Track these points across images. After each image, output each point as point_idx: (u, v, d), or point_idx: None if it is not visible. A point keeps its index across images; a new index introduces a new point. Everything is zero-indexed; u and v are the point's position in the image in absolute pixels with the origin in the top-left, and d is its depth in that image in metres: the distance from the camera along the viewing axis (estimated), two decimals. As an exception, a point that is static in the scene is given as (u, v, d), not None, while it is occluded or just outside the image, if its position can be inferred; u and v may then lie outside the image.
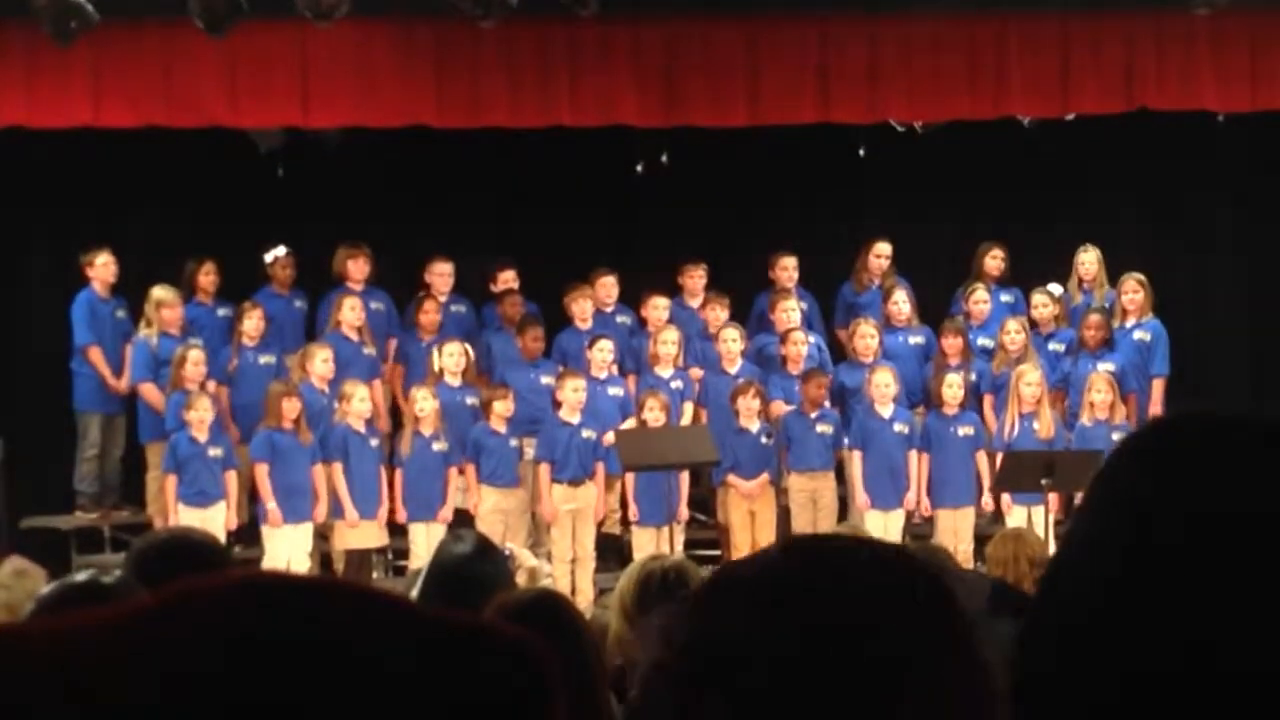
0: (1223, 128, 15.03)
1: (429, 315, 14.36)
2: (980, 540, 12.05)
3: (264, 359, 13.93)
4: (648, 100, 14.04)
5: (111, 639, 1.22)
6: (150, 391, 13.72)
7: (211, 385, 13.58)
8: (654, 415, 13.37)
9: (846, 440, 13.85)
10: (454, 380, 13.79)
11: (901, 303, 14.78)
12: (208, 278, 14.38)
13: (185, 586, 1.28)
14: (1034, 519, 12.50)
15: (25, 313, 15.19)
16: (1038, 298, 14.81)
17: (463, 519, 13.15)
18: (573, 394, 13.45)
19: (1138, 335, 14.50)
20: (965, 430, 13.75)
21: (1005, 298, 15.19)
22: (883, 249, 15.24)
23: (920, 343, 14.72)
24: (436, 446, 13.36)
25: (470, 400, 13.82)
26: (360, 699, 1.20)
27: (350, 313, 14.02)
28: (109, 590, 3.93)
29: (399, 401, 14.25)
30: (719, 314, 14.60)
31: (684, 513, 13.70)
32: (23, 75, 13.30)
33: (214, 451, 13.07)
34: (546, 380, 13.98)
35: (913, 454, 13.72)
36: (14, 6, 11.97)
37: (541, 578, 7.34)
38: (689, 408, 14.18)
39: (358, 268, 14.53)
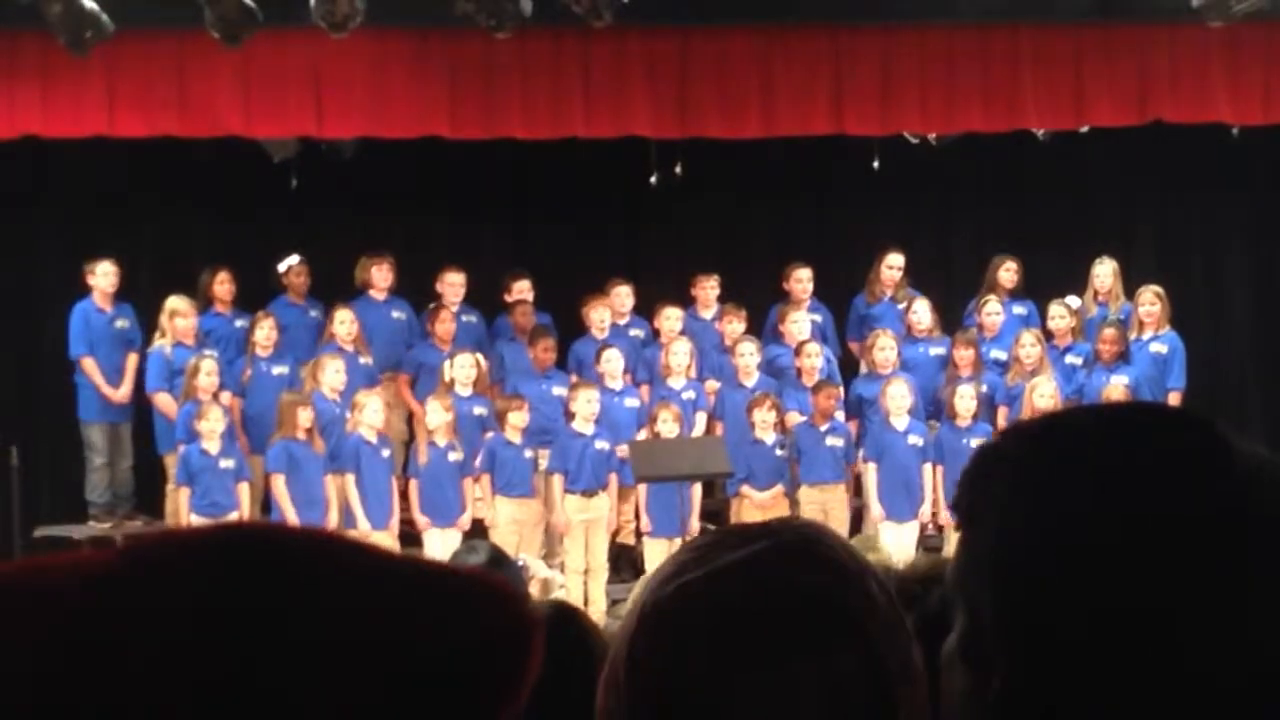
0: (1237, 140, 15.00)
1: (444, 325, 14.35)
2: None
3: (277, 369, 13.91)
4: (662, 112, 14.04)
5: (80, 588, 1.22)
6: (165, 401, 13.73)
7: (225, 396, 13.57)
8: (667, 426, 13.36)
9: (861, 452, 13.85)
10: (465, 391, 13.79)
11: (922, 313, 14.77)
12: (223, 287, 14.37)
13: (161, 538, 1.28)
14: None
15: (39, 321, 15.20)
16: (1054, 309, 14.77)
17: (477, 530, 13.15)
18: (586, 405, 13.43)
19: (1155, 348, 14.46)
20: (979, 442, 13.68)
21: (1019, 310, 15.16)
22: (895, 260, 15.21)
23: (940, 354, 14.68)
24: (452, 456, 13.36)
25: (480, 410, 13.82)
26: (337, 649, 1.21)
27: (342, 326, 14.00)
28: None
29: (411, 409, 14.25)
30: (736, 326, 14.59)
31: (695, 524, 13.67)
32: (38, 84, 13.31)
33: (226, 463, 13.05)
34: (558, 391, 13.98)
35: (927, 466, 13.71)
36: (30, 16, 11.98)
37: (555, 588, 7.35)
38: (702, 419, 14.17)
39: (381, 275, 14.56)
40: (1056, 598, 1.38)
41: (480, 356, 14.03)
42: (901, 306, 15.11)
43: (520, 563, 6.70)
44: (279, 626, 1.20)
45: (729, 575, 1.62)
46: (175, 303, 13.80)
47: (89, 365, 13.99)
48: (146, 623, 1.19)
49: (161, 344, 13.80)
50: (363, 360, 14.05)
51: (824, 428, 13.76)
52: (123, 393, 14.04)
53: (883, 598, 1.64)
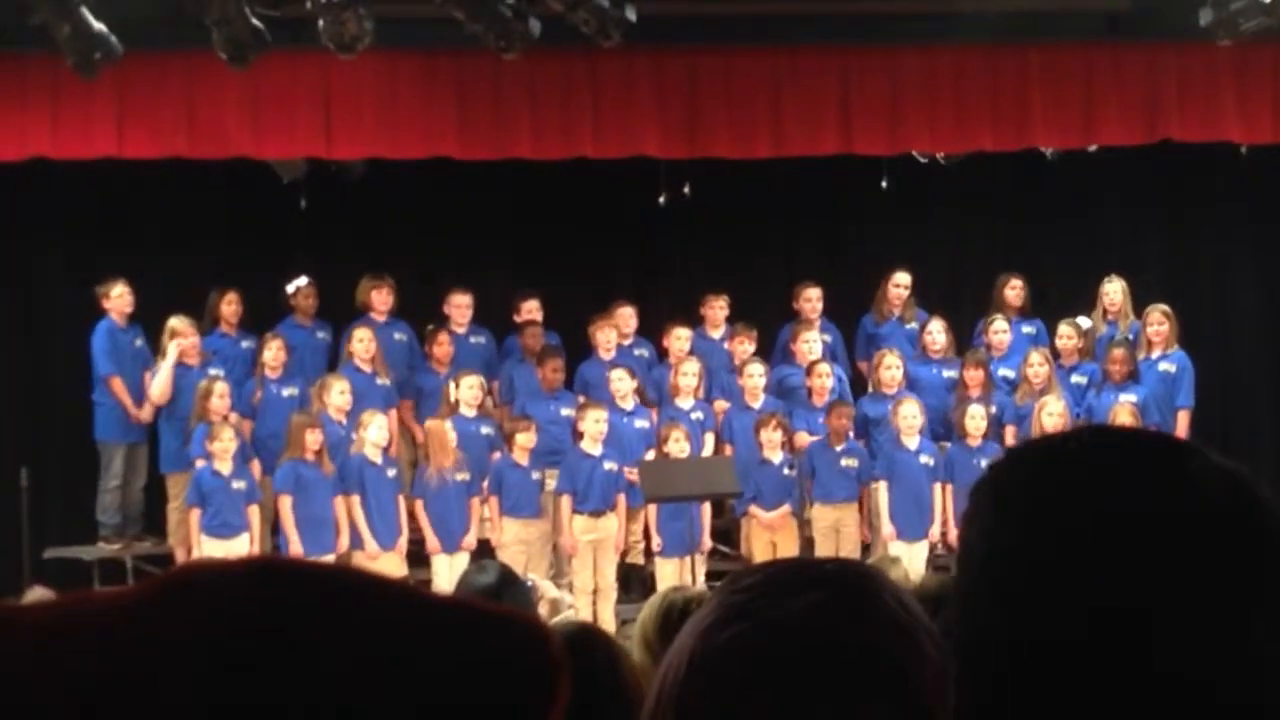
0: (1245, 159, 14.99)
1: (442, 347, 14.36)
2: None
3: (287, 390, 13.92)
4: (670, 132, 14.05)
5: (111, 623, 1.22)
6: (118, 385, 13.84)
7: (234, 417, 13.57)
8: (677, 446, 13.35)
9: (872, 471, 13.83)
10: (470, 411, 13.79)
11: (937, 333, 14.76)
12: (230, 308, 14.39)
13: (190, 568, 1.28)
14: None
15: (48, 343, 15.23)
16: (1063, 329, 14.76)
17: (485, 550, 13.15)
18: (594, 425, 13.44)
19: (1163, 367, 14.45)
20: (989, 462, 13.64)
21: (1027, 329, 15.17)
22: (902, 279, 15.22)
23: (952, 375, 14.66)
24: (458, 477, 13.36)
25: (485, 431, 13.83)
26: (367, 687, 1.21)
27: (360, 344, 14.02)
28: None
29: (412, 432, 14.25)
30: (746, 347, 14.59)
31: (706, 543, 13.68)
32: (47, 107, 13.34)
33: (237, 484, 13.05)
34: (566, 412, 13.98)
35: (938, 486, 13.70)
36: (39, 39, 12.01)
37: (564, 608, 7.33)
38: (710, 439, 14.17)
39: (381, 298, 14.55)
40: (1041, 609, 1.42)
41: (482, 379, 14.03)
42: (910, 326, 15.12)
43: (529, 583, 6.69)
44: (308, 663, 1.20)
45: (784, 628, 1.62)
46: (175, 323, 13.81)
47: (118, 385, 13.99)
48: (180, 658, 1.19)
49: (163, 364, 13.79)
50: (380, 381, 14.06)
51: (839, 448, 13.77)
52: (146, 412, 14.04)
53: (933, 649, 1.64)
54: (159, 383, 13.70)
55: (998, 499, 1.50)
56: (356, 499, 13.16)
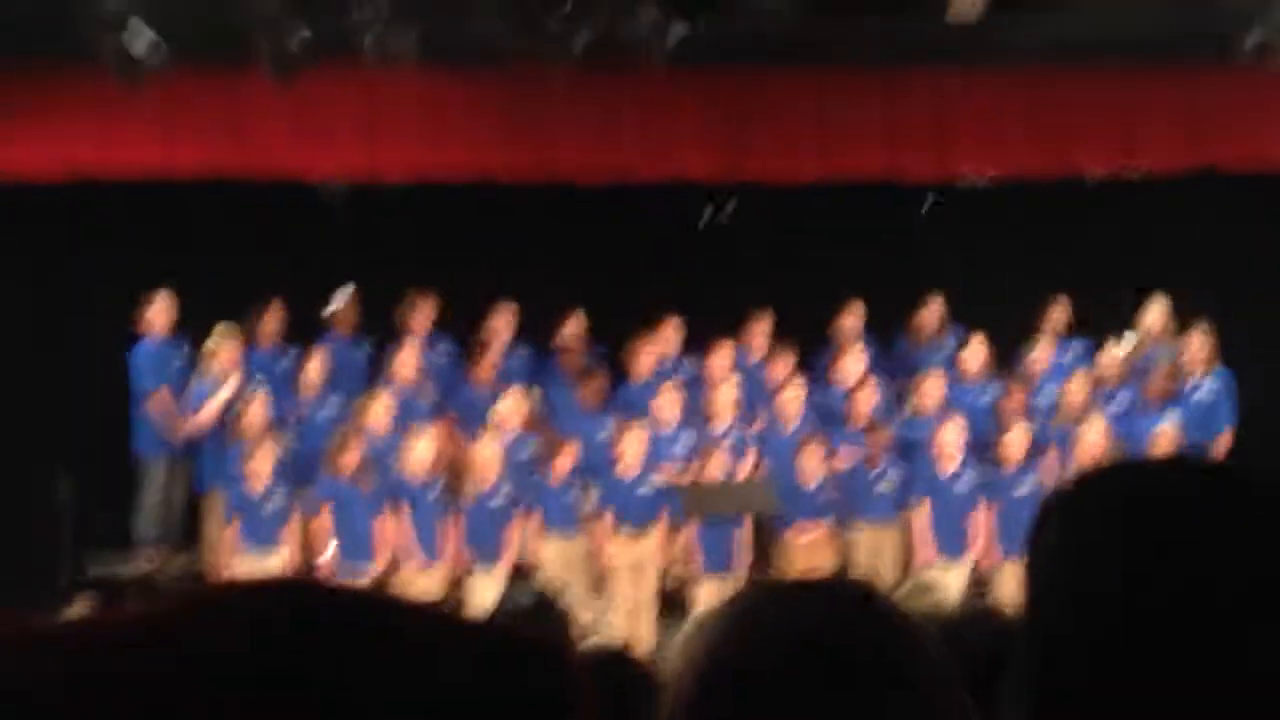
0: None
1: (484, 365, 14.36)
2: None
3: (328, 406, 13.93)
4: (715, 153, 14.06)
5: (141, 644, 1.22)
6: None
7: (272, 432, 13.59)
8: (716, 467, 13.35)
9: (911, 493, 13.80)
10: (513, 428, 13.80)
11: (973, 355, 14.73)
12: (274, 322, 14.42)
13: (221, 588, 1.29)
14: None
15: (91, 355, 15.26)
16: (1105, 350, 14.75)
17: (524, 568, 13.15)
18: (635, 444, 13.44)
19: (1205, 386, 14.42)
20: (1030, 483, 13.65)
21: (1071, 351, 15.13)
22: (935, 302, 15.22)
23: (991, 396, 14.59)
24: (499, 495, 13.36)
25: (528, 448, 13.83)
26: (389, 708, 1.21)
27: (404, 369, 14.04)
28: None
29: (454, 449, 14.25)
30: (785, 368, 14.57)
31: (746, 562, 13.64)
32: (92, 123, 13.40)
33: (275, 499, 13.08)
34: (608, 429, 13.98)
35: (977, 508, 13.65)
36: (83, 51, 12.05)
37: (600, 628, 7.35)
38: (749, 459, 14.15)
39: (426, 313, 14.57)
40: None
41: (525, 397, 14.03)
42: (946, 348, 15.09)
43: (565, 603, 6.70)
44: (334, 683, 1.20)
45: (786, 638, 1.62)
46: (219, 335, 13.84)
47: (166, 398, 14.00)
48: (209, 680, 1.19)
49: (204, 378, 13.81)
50: (422, 399, 14.07)
51: (876, 469, 13.75)
52: (188, 426, 14.05)
53: (937, 654, 1.64)
54: (209, 411, 13.71)
55: (1046, 514, 1.53)
56: (401, 515, 13.17)
